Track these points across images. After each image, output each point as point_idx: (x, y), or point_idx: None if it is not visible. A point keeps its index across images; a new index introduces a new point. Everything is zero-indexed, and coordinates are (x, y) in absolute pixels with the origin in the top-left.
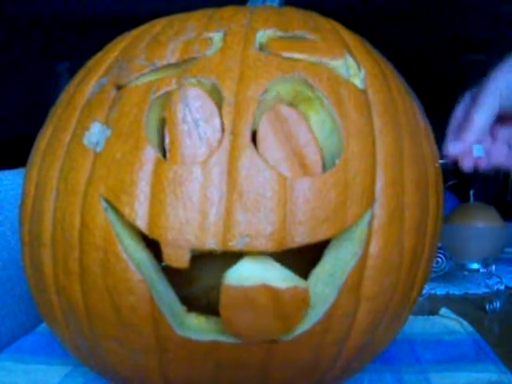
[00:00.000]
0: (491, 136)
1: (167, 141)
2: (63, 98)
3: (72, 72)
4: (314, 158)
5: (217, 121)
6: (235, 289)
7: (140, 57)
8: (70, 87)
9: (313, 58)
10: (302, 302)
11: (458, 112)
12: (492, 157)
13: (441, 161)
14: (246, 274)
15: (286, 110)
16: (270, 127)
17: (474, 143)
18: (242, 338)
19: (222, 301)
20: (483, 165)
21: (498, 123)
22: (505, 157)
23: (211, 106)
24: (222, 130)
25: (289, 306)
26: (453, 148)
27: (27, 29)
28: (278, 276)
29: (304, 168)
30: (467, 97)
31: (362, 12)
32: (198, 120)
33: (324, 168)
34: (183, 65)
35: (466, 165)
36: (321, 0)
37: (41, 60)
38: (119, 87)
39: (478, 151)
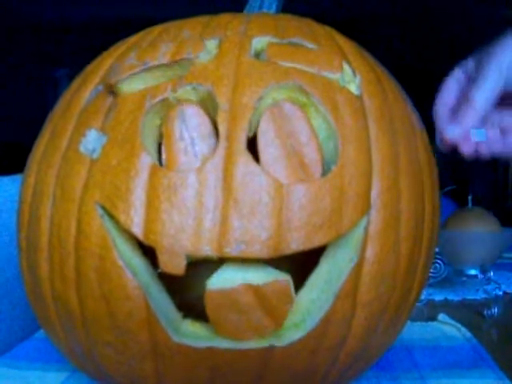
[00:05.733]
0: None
1: (164, 156)
2: (60, 104)
3: (71, 78)
4: (313, 157)
5: (213, 139)
6: (218, 293)
7: (131, 56)
8: (67, 94)
9: (309, 69)
10: (285, 294)
11: (448, 91)
12: (489, 143)
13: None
14: (227, 277)
15: (289, 108)
16: (272, 123)
17: (474, 126)
18: (236, 340)
19: (207, 307)
20: (484, 150)
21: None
22: (501, 143)
23: (208, 123)
24: (217, 137)
25: (272, 301)
26: (451, 132)
27: (26, 35)
28: (257, 274)
29: (303, 167)
30: (458, 74)
31: (358, 20)
32: (194, 138)
33: (323, 171)
34: (176, 67)
35: (466, 150)
36: (318, 7)
37: (40, 66)
38: (110, 87)
39: (479, 135)
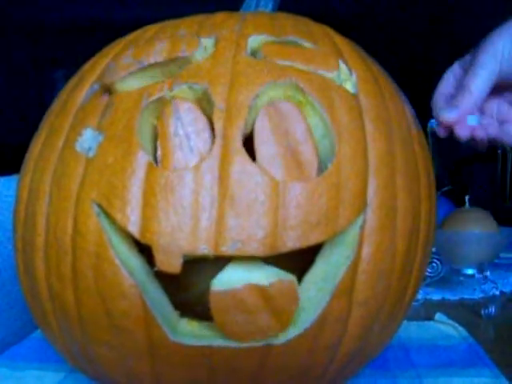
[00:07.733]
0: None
1: (159, 152)
2: (57, 104)
3: (68, 78)
4: (309, 156)
5: (208, 134)
6: (223, 293)
7: (126, 55)
8: (64, 93)
9: (305, 67)
10: (290, 294)
11: (446, 82)
12: (485, 129)
13: (432, 124)
14: (232, 277)
15: (285, 106)
16: (268, 122)
17: (470, 111)
18: (240, 341)
19: (212, 307)
20: (480, 134)
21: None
22: (497, 130)
23: (203, 119)
24: (213, 136)
25: (278, 301)
26: (447, 115)
27: (24, 36)
28: (262, 274)
29: (299, 166)
30: (456, 67)
31: (355, 19)
32: (189, 133)
33: (319, 169)
34: (172, 65)
35: (462, 133)
36: (315, 6)
37: (38, 67)
38: (106, 87)
39: (472, 120)
